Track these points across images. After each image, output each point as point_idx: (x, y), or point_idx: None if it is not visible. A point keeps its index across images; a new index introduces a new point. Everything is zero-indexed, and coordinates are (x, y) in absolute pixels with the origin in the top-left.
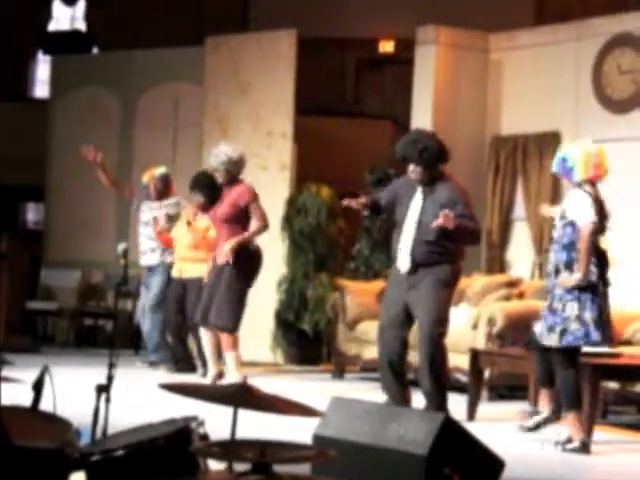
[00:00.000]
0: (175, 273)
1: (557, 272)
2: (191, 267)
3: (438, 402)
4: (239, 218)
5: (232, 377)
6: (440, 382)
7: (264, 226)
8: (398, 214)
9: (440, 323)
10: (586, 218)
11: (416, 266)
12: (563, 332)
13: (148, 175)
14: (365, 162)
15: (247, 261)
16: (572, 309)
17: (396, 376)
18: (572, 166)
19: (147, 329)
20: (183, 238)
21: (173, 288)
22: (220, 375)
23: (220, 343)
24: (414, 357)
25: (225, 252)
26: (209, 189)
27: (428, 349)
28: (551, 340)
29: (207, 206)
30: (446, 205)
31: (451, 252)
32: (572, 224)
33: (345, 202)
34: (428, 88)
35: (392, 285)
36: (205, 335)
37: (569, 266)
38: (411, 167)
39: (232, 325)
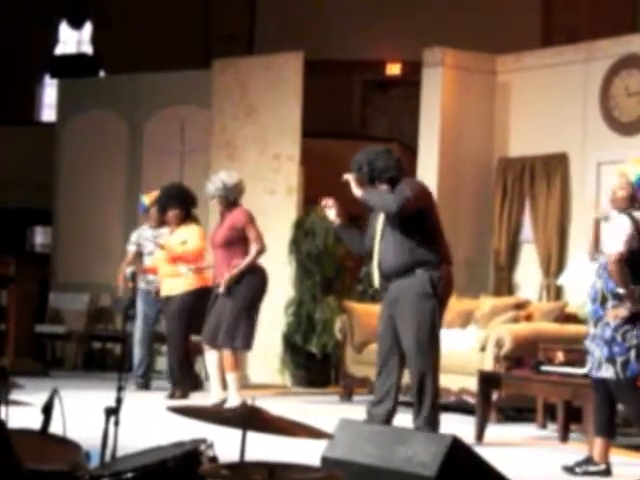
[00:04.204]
0: (161, 292)
1: (604, 301)
2: (169, 283)
3: (430, 418)
4: (237, 241)
5: (232, 400)
6: (431, 398)
7: (261, 248)
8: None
9: (422, 335)
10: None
11: (385, 278)
12: (626, 363)
13: (150, 198)
14: None
15: (253, 283)
16: (632, 338)
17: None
18: None
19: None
20: (160, 257)
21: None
22: (223, 403)
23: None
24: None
25: (224, 285)
26: (182, 200)
27: (414, 360)
28: (609, 372)
29: (184, 217)
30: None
31: (426, 258)
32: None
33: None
34: (435, 110)
35: (382, 306)
36: (210, 356)
37: (618, 296)
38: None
39: (247, 344)
